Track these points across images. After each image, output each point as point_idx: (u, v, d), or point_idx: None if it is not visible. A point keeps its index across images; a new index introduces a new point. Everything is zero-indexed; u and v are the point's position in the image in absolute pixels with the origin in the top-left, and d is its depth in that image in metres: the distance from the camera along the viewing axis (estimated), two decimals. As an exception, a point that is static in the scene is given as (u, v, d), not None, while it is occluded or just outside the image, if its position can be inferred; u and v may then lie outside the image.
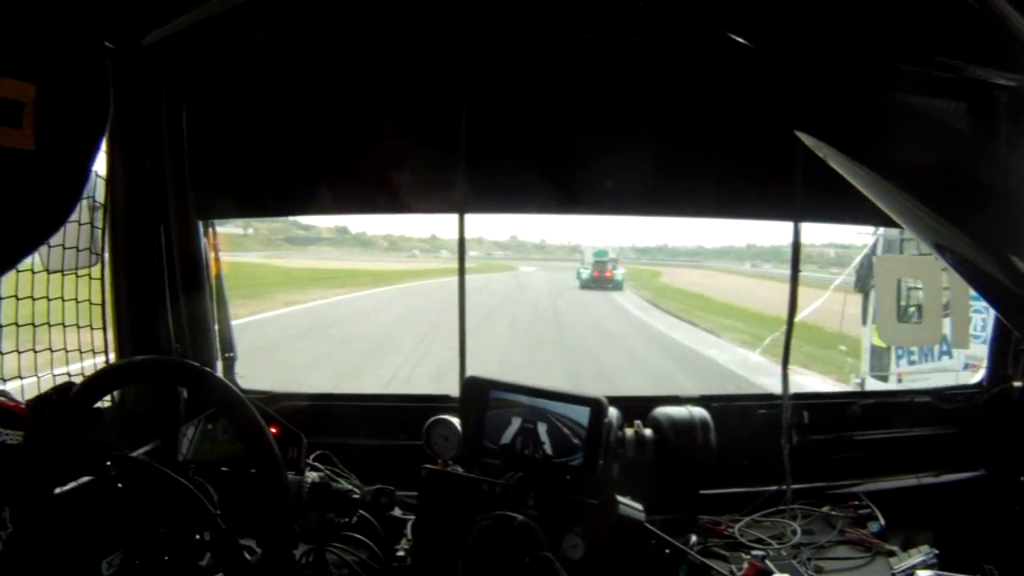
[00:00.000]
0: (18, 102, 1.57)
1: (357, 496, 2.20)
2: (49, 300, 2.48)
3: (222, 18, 2.33)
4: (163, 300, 2.79)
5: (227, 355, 3.09)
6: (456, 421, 2.33)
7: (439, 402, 2.90)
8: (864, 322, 8.60)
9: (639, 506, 2.16)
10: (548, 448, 2.24)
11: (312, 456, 2.33)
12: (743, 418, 2.99)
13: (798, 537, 2.56)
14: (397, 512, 2.24)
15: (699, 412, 2.55)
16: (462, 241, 3.25)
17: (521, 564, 1.93)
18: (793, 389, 3.04)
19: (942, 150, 2.28)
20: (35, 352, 2.49)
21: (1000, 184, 2.14)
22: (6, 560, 1.57)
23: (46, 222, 1.78)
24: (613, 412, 2.35)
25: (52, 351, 2.55)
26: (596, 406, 2.23)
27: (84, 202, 2.54)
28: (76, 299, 2.65)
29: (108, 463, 1.75)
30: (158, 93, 2.69)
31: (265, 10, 2.41)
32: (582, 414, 2.23)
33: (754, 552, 2.36)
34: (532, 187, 2.98)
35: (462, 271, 3.23)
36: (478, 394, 2.32)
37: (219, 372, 3.00)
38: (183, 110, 2.77)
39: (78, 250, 2.58)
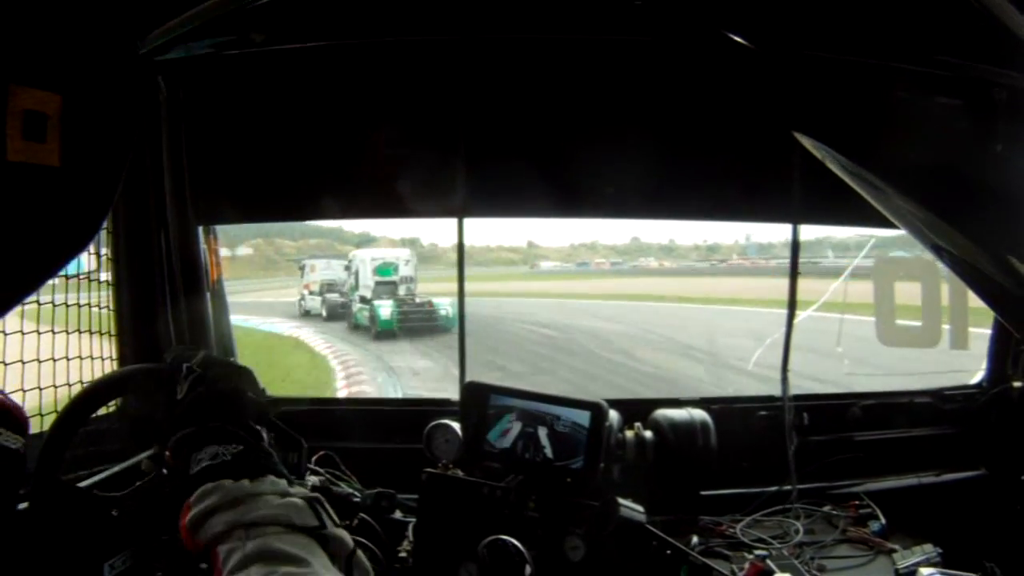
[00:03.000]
0: (42, 114, 1.53)
1: (357, 499, 2.20)
2: (68, 307, 2.48)
3: (219, 21, 2.33)
4: (163, 306, 2.79)
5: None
6: (456, 425, 2.34)
7: (440, 406, 2.89)
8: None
9: (640, 508, 2.16)
10: (549, 451, 2.25)
11: (315, 457, 2.33)
12: (743, 419, 3.00)
13: (800, 536, 2.56)
14: (398, 515, 2.24)
15: (699, 414, 2.56)
16: (461, 246, 3.26)
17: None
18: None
19: (940, 150, 2.27)
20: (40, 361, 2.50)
21: (999, 184, 2.15)
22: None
23: (72, 241, 1.74)
24: (613, 415, 2.36)
25: (69, 359, 2.55)
26: (597, 410, 2.24)
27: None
28: (78, 304, 2.65)
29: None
30: (156, 98, 2.69)
31: (263, 13, 2.41)
32: (583, 417, 2.24)
33: (756, 552, 2.37)
34: (531, 191, 2.98)
35: (461, 276, 3.24)
36: (478, 398, 2.33)
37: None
38: (181, 114, 2.78)
39: (90, 254, 2.59)
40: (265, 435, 1.43)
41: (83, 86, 1.64)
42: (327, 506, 1.31)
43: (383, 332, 19.60)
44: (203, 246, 2.96)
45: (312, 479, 2.18)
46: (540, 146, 2.99)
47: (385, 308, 19.98)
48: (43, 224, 1.62)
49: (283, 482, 1.32)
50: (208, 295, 2.99)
